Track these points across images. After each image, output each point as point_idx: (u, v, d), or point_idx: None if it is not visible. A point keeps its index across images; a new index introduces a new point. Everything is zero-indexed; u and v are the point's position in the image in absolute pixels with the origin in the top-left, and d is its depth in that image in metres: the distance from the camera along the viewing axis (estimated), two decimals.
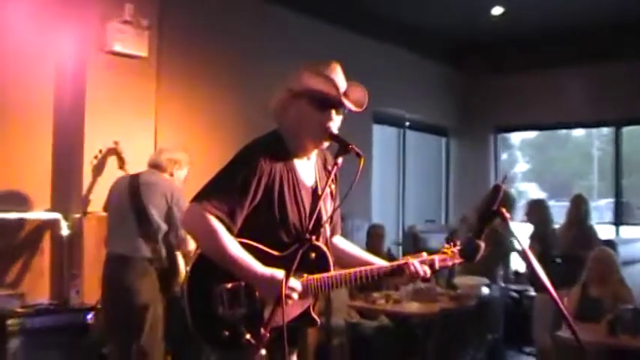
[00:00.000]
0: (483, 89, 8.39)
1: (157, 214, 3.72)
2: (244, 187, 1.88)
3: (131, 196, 3.75)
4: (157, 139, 4.82)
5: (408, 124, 7.99)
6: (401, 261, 2.12)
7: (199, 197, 1.88)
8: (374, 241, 5.88)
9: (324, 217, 2.03)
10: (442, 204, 8.77)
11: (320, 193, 2.00)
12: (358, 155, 1.86)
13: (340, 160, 1.88)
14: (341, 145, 1.89)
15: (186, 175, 4.00)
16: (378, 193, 7.51)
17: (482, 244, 1.90)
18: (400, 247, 7.66)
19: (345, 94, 1.97)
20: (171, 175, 3.89)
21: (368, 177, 6.94)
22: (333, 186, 2.13)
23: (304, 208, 1.99)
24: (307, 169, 2.07)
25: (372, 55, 6.91)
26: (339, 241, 2.26)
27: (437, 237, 6.75)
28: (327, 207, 2.07)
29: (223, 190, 1.87)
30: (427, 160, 8.71)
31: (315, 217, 1.85)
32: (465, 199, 8.22)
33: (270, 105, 2.06)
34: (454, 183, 8.72)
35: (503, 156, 9.20)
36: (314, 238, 1.92)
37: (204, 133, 5.28)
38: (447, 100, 8.38)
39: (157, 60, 4.80)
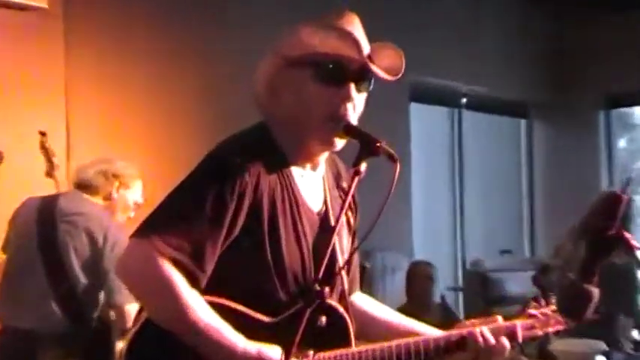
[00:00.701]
0: (586, 40, 8.37)
1: (78, 266, 3.75)
2: (217, 212, 1.88)
3: (41, 235, 3.78)
4: (70, 129, 4.88)
5: (465, 100, 8.00)
6: (462, 329, 2.15)
7: (145, 230, 1.89)
8: (418, 286, 5.95)
9: (340, 260, 2.05)
10: (524, 225, 8.77)
11: (333, 223, 2.02)
12: (391, 158, 1.86)
13: (363, 167, 1.87)
14: (363, 144, 1.89)
15: (138, 202, 4.03)
16: (422, 213, 7.52)
17: (596, 292, 1.93)
18: (460, 295, 7.68)
19: (369, 57, 2.00)
20: (108, 199, 3.97)
21: (405, 187, 6.97)
22: (350, 211, 2.15)
23: (308, 247, 2.02)
24: (313, 185, 2.10)
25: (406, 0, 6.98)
26: (361, 300, 2.30)
27: (517, 277, 6.78)
28: (342, 244, 2.09)
29: (183, 218, 1.88)
30: (497, 155, 8.72)
31: (326, 260, 1.83)
32: (560, 216, 8.15)
33: (253, 83, 2.07)
34: (542, 190, 8.73)
35: (621, 143, 9.12)
36: (325, 292, 1.85)
37: (145, 122, 5.34)
38: (527, 62, 8.37)
39: (63, 11, 4.86)
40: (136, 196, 4.02)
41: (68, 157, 4.84)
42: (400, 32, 6.65)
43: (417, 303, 5.73)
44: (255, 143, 2.00)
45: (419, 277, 5.97)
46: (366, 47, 1.99)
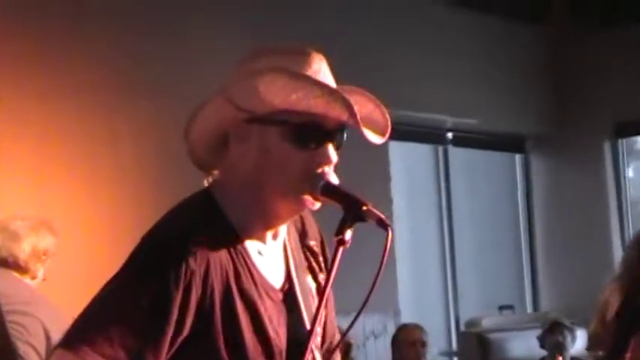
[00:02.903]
0: (588, 59, 8.41)
1: None
2: (158, 310, 1.84)
3: None
4: None
5: (451, 136, 8.04)
6: None
7: (72, 338, 1.84)
8: (406, 353, 5.97)
9: (315, 347, 2.02)
10: (525, 276, 8.77)
11: (297, 294, 2.03)
12: (382, 224, 1.85)
13: (348, 235, 1.86)
14: (347, 207, 1.88)
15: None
16: (408, 267, 7.51)
17: None
18: None
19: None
20: (34, 277, 4.06)
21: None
22: (321, 276, 2.12)
23: (277, 334, 1.98)
24: (273, 257, 2.06)
25: (378, 23, 6.99)
26: None
27: (521, 337, 6.82)
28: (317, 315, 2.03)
29: (118, 320, 1.83)
30: (491, 197, 8.75)
31: (306, 346, 1.86)
32: (566, 264, 8.14)
33: (191, 135, 2.02)
34: (544, 234, 8.73)
35: (629, 172, 9.08)
36: None
37: (69, 169, 5.35)
38: (522, 90, 8.42)
39: None
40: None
41: None
42: (374, 60, 6.81)
43: None
44: (199, 219, 1.94)
45: (407, 343, 5.97)
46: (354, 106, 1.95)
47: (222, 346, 1.89)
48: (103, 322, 1.83)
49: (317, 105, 1.89)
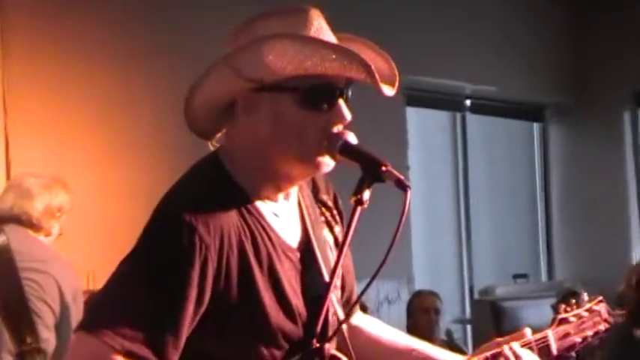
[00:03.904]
0: (607, 31, 8.36)
1: (46, 331, 3.79)
2: (177, 288, 1.83)
3: (6, 289, 3.83)
4: (10, 147, 4.93)
5: (469, 103, 8.02)
6: (489, 351, 2.16)
7: (91, 321, 1.83)
8: (421, 319, 5.99)
9: (334, 297, 2.04)
10: (540, 245, 8.77)
11: (315, 251, 2.02)
12: (401, 185, 1.84)
13: (366, 195, 1.86)
14: (366, 167, 1.88)
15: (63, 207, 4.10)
16: (423, 234, 7.54)
17: None
18: (469, 328, 7.68)
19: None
20: (48, 235, 4.04)
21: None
22: (337, 229, 2.14)
23: (296, 294, 1.98)
24: (288, 216, 2.05)
25: None
26: (366, 323, 2.31)
27: (534, 306, 6.77)
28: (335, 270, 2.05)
29: (136, 300, 1.82)
30: (508, 165, 8.75)
31: (325, 309, 1.87)
32: (582, 234, 8.13)
33: (193, 103, 2.00)
34: (560, 204, 8.72)
35: None
36: (326, 349, 1.93)
37: (88, 132, 5.38)
38: (541, 58, 8.35)
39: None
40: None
41: (8, 173, 4.93)
42: (390, 25, 6.76)
43: (418, 339, 5.70)
44: (210, 186, 1.94)
45: (421, 310, 5.99)
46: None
47: (241, 314, 1.90)
48: (120, 303, 1.83)
49: (333, 68, 1.88)
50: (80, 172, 5.11)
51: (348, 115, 1.94)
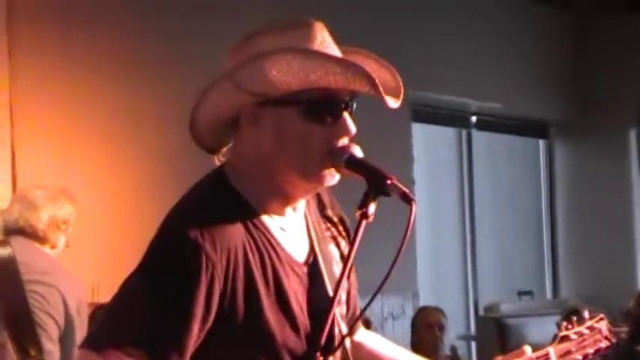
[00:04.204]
0: (613, 45, 8.35)
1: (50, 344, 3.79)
2: (182, 307, 1.82)
3: (10, 301, 3.82)
4: (16, 159, 4.92)
5: (475, 120, 8.03)
6: None
7: (96, 338, 1.83)
8: (425, 335, 5.95)
9: (338, 313, 2.03)
10: (545, 262, 8.74)
11: (321, 266, 2.01)
12: (406, 199, 1.84)
13: (372, 209, 1.85)
14: (371, 180, 1.87)
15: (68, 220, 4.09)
16: (428, 250, 7.51)
17: None
18: (473, 345, 7.64)
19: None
20: (54, 247, 4.03)
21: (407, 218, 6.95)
22: (343, 244, 2.13)
23: (302, 310, 1.97)
24: (295, 231, 2.04)
25: (403, 5, 6.98)
26: (368, 339, 2.30)
27: (539, 323, 6.71)
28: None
29: (142, 319, 1.81)
30: (513, 182, 8.73)
31: (329, 323, 1.86)
32: (587, 251, 8.10)
33: (198, 119, 1.99)
34: (565, 221, 8.70)
35: None
36: (330, 359, 1.93)
37: (93, 141, 5.38)
38: (547, 75, 8.38)
39: (7, 28, 4.95)
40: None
41: (14, 184, 4.93)
42: (396, 41, 6.76)
43: (423, 355, 5.65)
44: (216, 202, 1.92)
45: (426, 325, 5.94)
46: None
47: (245, 331, 1.89)
48: (126, 321, 1.82)
49: (337, 81, 1.87)
50: (86, 183, 5.11)
51: (352, 128, 1.92)
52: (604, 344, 2.27)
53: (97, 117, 5.42)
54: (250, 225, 1.92)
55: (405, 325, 6.15)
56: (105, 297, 3.75)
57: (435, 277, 7.69)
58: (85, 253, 4.72)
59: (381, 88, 1.87)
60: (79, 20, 5.41)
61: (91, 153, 5.37)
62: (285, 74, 1.86)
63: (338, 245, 2.13)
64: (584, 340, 2.25)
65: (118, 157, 5.47)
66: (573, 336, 2.25)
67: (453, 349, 6.30)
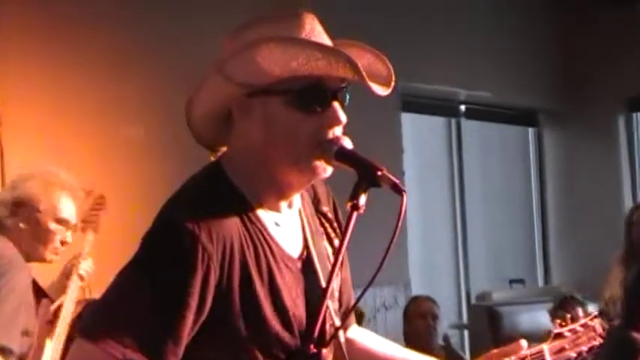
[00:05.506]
0: (602, 33, 8.35)
1: None
2: (177, 297, 1.83)
3: None
4: (4, 154, 4.98)
5: (464, 109, 8.03)
6: None
7: (91, 328, 1.83)
8: (418, 325, 5.95)
9: (332, 308, 2.03)
10: (536, 250, 8.76)
11: (314, 261, 2.01)
12: (396, 190, 1.84)
13: (362, 200, 1.84)
14: (361, 172, 1.86)
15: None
16: (419, 239, 7.52)
17: None
18: (466, 333, 7.65)
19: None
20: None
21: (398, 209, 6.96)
22: (336, 241, 2.12)
23: (295, 303, 1.98)
24: (289, 226, 2.04)
25: None
26: (360, 335, 2.31)
27: (531, 311, 6.78)
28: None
29: (136, 308, 1.82)
30: (503, 170, 8.74)
31: (322, 315, 1.86)
32: (578, 238, 8.12)
33: (191, 113, 2.00)
34: (556, 209, 8.73)
35: None
36: (323, 354, 1.91)
37: (81, 134, 5.38)
38: (535, 63, 8.37)
39: None
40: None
41: (3, 179, 4.93)
42: (385, 32, 6.75)
43: (416, 345, 5.68)
44: (213, 194, 1.93)
45: (419, 315, 5.95)
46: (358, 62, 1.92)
47: (241, 324, 1.89)
48: (121, 310, 1.82)
49: (319, 67, 1.87)
50: (74, 178, 5.11)
51: (342, 118, 1.92)
52: (598, 342, 2.27)
53: (85, 112, 5.42)
54: (246, 218, 1.93)
55: (397, 316, 6.15)
56: (95, 294, 3.71)
57: (427, 266, 7.69)
58: (75, 249, 4.71)
59: (364, 74, 1.86)
60: (67, 18, 5.40)
61: (79, 151, 5.35)
62: (268, 62, 1.86)
63: (331, 242, 2.13)
64: (578, 337, 2.25)
65: (106, 155, 5.46)
66: (567, 333, 2.25)
67: (446, 338, 6.31)
